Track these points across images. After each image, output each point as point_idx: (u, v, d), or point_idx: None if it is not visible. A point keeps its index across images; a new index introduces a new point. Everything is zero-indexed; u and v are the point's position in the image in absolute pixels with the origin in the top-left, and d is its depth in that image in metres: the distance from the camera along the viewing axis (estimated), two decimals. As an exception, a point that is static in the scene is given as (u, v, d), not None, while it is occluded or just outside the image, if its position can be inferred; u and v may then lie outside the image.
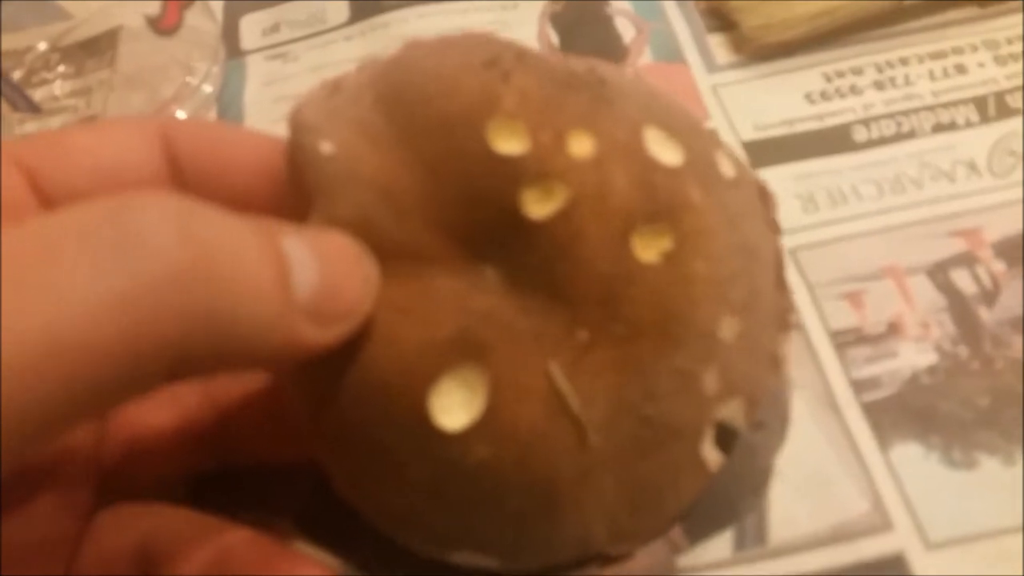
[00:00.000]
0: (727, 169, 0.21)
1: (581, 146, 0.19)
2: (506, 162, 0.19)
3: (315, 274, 0.17)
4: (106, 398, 0.14)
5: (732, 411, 0.20)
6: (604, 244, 0.19)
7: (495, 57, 0.20)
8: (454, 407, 0.19)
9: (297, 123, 0.20)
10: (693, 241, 0.19)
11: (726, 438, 0.20)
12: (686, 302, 0.19)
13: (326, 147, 0.19)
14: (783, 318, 0.21)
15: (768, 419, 0.24)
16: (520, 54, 0.20)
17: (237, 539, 0.20)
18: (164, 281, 0.14)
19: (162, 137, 0.21)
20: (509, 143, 0.19)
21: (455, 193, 0.19)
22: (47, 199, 0.20)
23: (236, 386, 0.23)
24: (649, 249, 0.19)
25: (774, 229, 0.21)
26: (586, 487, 0.19)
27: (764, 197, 0.22)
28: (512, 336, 0.19)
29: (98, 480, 0.22)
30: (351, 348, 0.18)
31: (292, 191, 0.20)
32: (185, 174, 0.21)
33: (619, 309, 0.19)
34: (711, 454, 0.20)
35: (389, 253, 0.19)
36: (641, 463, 0.19)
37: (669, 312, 0.19)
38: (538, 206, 0.19)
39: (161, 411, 0.23)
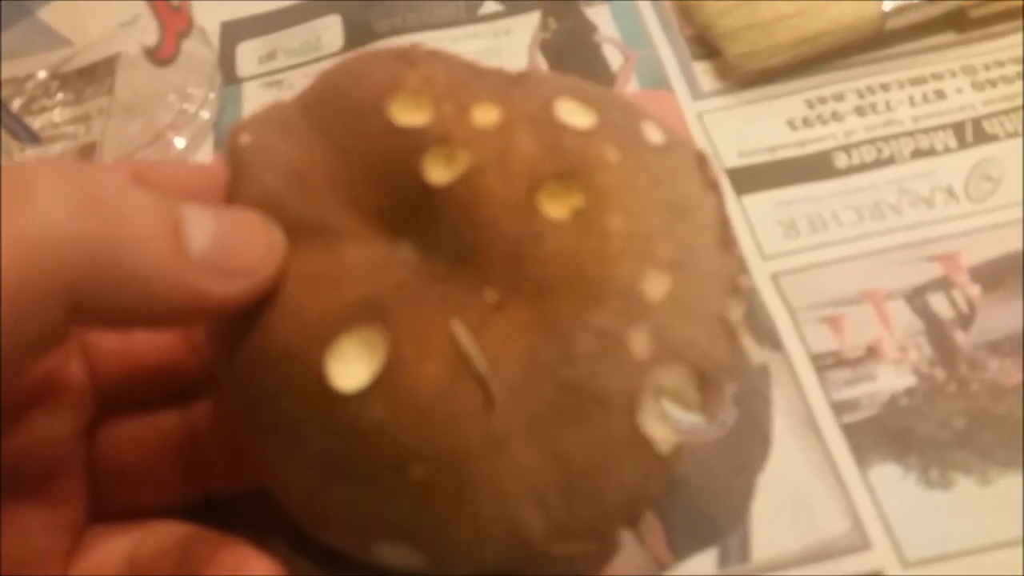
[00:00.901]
0: (654, 136, 0.20)
1: (486, 116, 0.20)
2: (408, 133, 0.20)
3: (212, 230, 0.18)
4: (15, 340, 0.16)
5: (675, 380, 0.18)
6: (509, 205, 0.19)
7: (406, 52, 0.21)
8: (351, 368, 0.18)
9: (231, 128, 0.21)
10: (607, 197, 0.19)
11: (678, 410, 0.19)
12: (600, 258, 0.18)
13: (244, 138, 0.21)
14: (731, 281, 0.19)
15: (749, 436, 0.25)
16: (435, 53, 0.21)
17: (199, 540, 0.20)
18: (54, 220, 0.16)
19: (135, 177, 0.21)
20: (411, 116, 0.20)
21: (364, 172, 0.20)
22: None
23: (212, 411, 0.23)
24: (559, 207, 0.19)
25: (715, 190, 0.20)
26: (500, 459, 0.18)
27: (701, 162, 0.21)
28: (418, 301, 0.19)
29: (89, 499, 0.22)
30: (256, 317, 0.19)
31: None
32: None
33: (528, 268, 0.18)
34: (658, 431, 0.18)
35: (299, 230, 0.19)
36: (564, 434, 0.18)
37: (582, 268, 0.18)
38: (440, 172, 0.19)
39: (146, 437, 0.23)
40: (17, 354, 0.16)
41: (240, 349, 0.19)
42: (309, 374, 0.18)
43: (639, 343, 0.18)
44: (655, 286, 0.18)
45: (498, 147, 0.19)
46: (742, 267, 0.21)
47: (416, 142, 0.19)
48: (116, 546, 0.21)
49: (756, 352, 0.20)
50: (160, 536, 0.21)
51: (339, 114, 0.20)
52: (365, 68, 0.21)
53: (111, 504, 0.23)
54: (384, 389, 0.18)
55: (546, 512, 0.18)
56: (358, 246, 0.20)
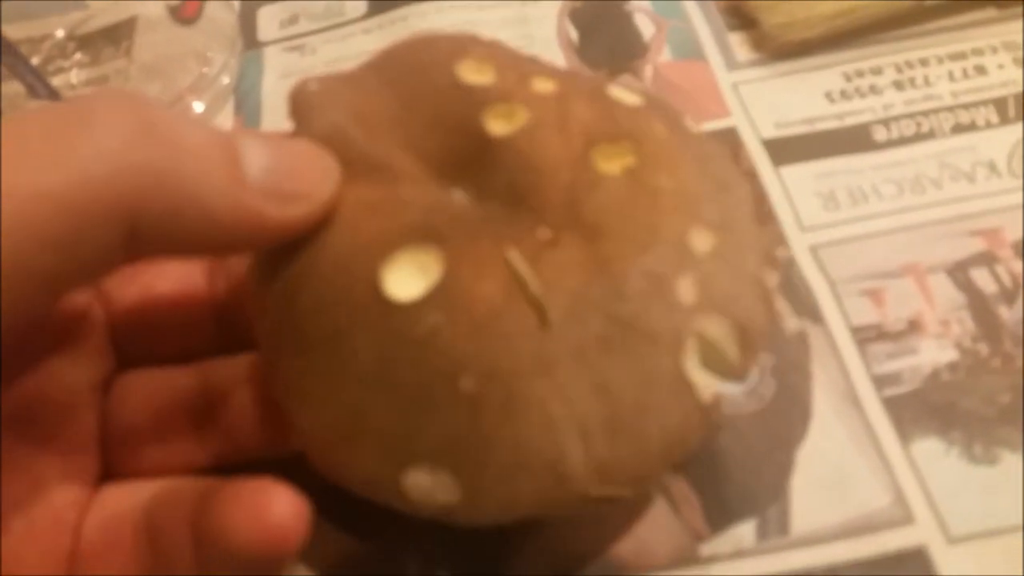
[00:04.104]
0: (692, 126, 0.22)
1: (544, 85, 0.21)
2: (472, 90, 0.20)
3: (267, 157, 0.18)
4: (71, 261, 0.16)
5: (718, 331, 0.19)
6: (565, 158, 0.19)
7: (472, 35, 0.22)
8: (407, 280, 0.18)
9: (297, 82, 0.22)
10: (656, 160, 0.20)
11: (718, 364, 0.19)
12: (652, 210, 0.19)
13: (312, 85, 0.21)
14: (768, 253, 0.20)
15: (788, 409, 0.24)
16: (498, 42, 0.22)
17: (216, 484, 0.19)
18: (116, 145, 0.16)
19: None
20: (476, 76, 0.21)
21: (426, 120, 0.21)
22: None
23: (231, 372, 0.23)
24: (611, 163, 0.20)
25: (748, 178, 0.22)
26: (549, 381, 0.18)
27: (735, 154, 0.23)
28: (472, 232, 0.19)
29: (101, 455, 0.22)
30: (309, 238, 0.19)
31: None
32: None
33: (582, 213, 0.19)
34: (700, 377, 0.19)
35: (360, 164, 0.20)
36: (612, 367, 0.18)
37: (633, 216, 0.19)
38: (500, 125, 0.20)
39: (160, 395, 0.23)
40: (69, 276, 0.16)
41: (287, 268, 0.19)
42: (362, 285, 0.18)
43: (685, 289, 0.18)
44: (701, 241, 0.19)
45: (556, 110, 0.20)
46: (778, 241, 0.22)
47: (479, 98, 0.20)
48: (131, 501, 0.21)
49: (792, 320, 0.21)
50: (177, 488, 0.20)
51: (406, 69, 0.21)
52: (434, 39, 0.22)
53: (122, 464, 0.22)
54: (441, 300, 0.18)
55: (588, 446, 0.18)
56: (414, 186, 0.20)
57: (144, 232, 0.16)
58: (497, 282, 0.18)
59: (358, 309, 0.18)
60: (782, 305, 0.21)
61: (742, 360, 0.19)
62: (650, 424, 0.18)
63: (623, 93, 0.21)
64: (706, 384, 0.18)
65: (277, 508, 0.18)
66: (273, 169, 0.18)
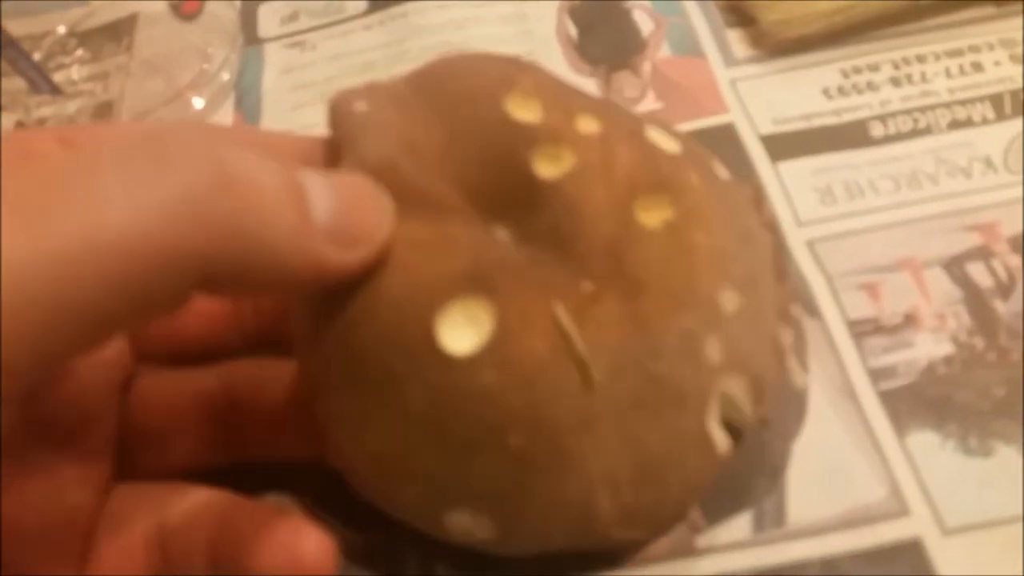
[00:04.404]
0: (722, 172, 0.23)
1: (588, 125, 0.21)
2: (521, 127, 0.20)
3: (331, 199, 0.18)
4: (138, 304, 0.15)
5: (737, 390, 0.20)
6: (609, 206, 0.20)
7: (516, 58, 0.22)
8: (462, 333, 0.19)
9: (336, 95, 0.21)
10: (694, 215, 0.20)
11: (733, 423, 0.20)
12: (689, 267, 0.20)
13: (359, 105, 0.21)
14: (784, 310, 0.21)
15: (784, 402, 0.24)
16: (538, 65, 0.22)
17: (237, 510, 0.20)
18: (195, 194, 0.15)
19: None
20: (524, 113, 0.21)
21: (473, 154, 0.20)
22: None
23: (253, 375, 0.23)
24: (651, 216, 0.20)
25: (770, 229, 0.23)
26: (589, 437, 0.19)
27: (758, 202, 0.23)
28: (521, 280, 0.20)
29: (116, 456, 0.22)
30: (364, 277, 0.19)
31: (328, 162, 0.21)
32: None
33: (624, 266, 0.20)
34: (718, 434, 0.20)
35: (410, 198, 0.20)
36: (645, 422, 0.19)
37: (673, 274, 0.20)
38: (548, 167, 0.20)
39: (180, 396, 0.23)
40: (135, 316, 0.16)
41: (342, 302, 0.19)
42: (418, 334, 0.19)
43: (713, 349, 0.19)
44: (729, 301, 0.20)
45: (601, 154, 0.20)
46: (794, 297, 0.23)
47: (527, 136, 0.20)
48: (144, 510, 0.21)
49: (800, 376, 0.22)
50: (192, 503, 0.21)
51: (453, 98, 0.21)
52: (478, 63, 0.22)
53: (136, 463, 0.22)
54: (495, 357, 0.19)
55: (616, 494, 0.19)
56: (461, 222, 0.20)
57: (215, 277, 0.16)
58: (545, 337, 0.19)
59: (412, 356, 0.19)
60: (792, 362, 0.22)
61: (755, 414, 0.20)
62: (672, 475, 0.19)
63: (662, 137, 0.22)
64: (721, 440, 0.20)
65: (308, 546, 0.18)
66: (336, 212, 0.18)
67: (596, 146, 0.21)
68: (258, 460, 0.23)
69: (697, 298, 0.20)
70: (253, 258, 0.16)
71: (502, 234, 0.20)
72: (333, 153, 0.21)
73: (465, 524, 0.20)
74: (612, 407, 0.19)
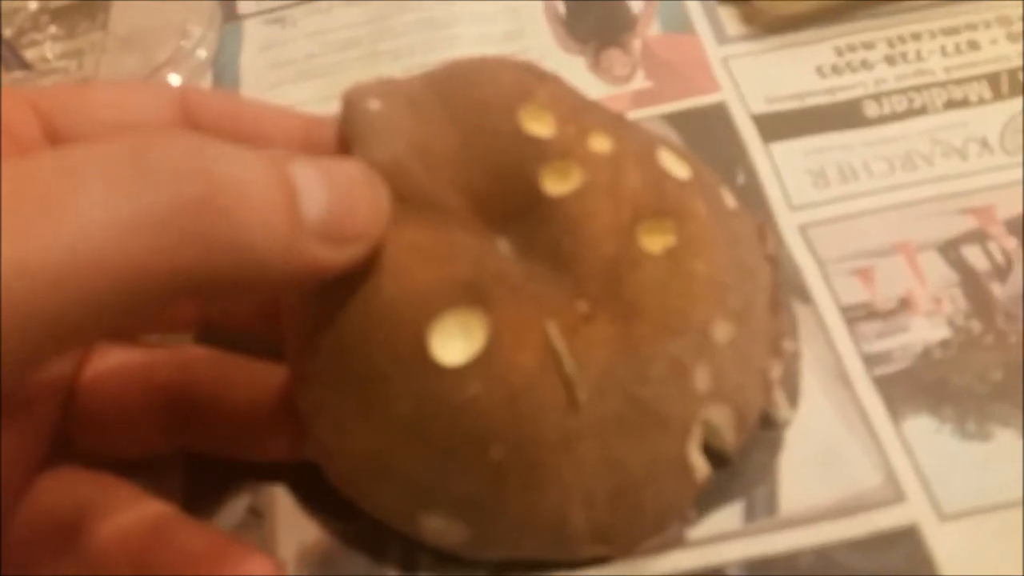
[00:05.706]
0: (730, 202, 0.23)
1: (601, 144, 0.21)
2: (533, 141, 0.21)
3: (324, 197, 0.17)
4: (118, 316, 0.15)
5: (721, 419, 0.20)
6: (612, 227, 0.20)
7: (533, 67, 0.22)
8: (453, 343, 0.19)
9: (350, 90, 0.21)
10: (695, 244, 0.21)
11: (713, 450, 0.21)
12: (686, 296, 0.20)
13: (373, 104, 0.21)
14: (776, 344, 0.22)
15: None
16: (556, 75, 0.23)
17: (172, 526, 0.20)
18: (178, 208, 0.15)
19: (183, 104, 0.21)
20: (537, 126, 0.21)
21: (483, 163, 0.20)
22: (59, 145, 0.20)
23: (217, 374, 0.22)
24: (654, 241, 0.21)
25: (771, 261, 0.23)
26: (569, 455, 0.19)
27: (762, 233, 0.23)
28: (516, 295, 0.20)
29: (55, 439, 0.21)
30: (362, 275, 0.19)
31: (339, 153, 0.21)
32: None
33: (621, 289, 0.20)
34: (698, 461, 0.20)
35: (416, 201, 0.20)
36: (626, 444, 0.19)
37: (669, 301, 0.20)
38: (556, 183, 0.20)
39: (133, 384, 0.22)
40: (115, 327, 0.16)
41: (335, 299, 0.19)
42: (410, 340, 0.19)
43: (701, 378, 0.20)
44: (722, 332, 0.20)
45: (610, 174, 0.21)
46: (787, 331, 0.23)
47: (538, 151, 0.21)
48: (63, 498, 0.21)
49: (786, 411, 0.23)
50: (122, 508, 0.20)
51: (469, 104, 0.21)
52: (496, 70, 0.22)
53: (79, 446, 0.22)
54: (483, 369, 0.19)
55: (591, 512, 0.20)
56: (464, 230, 0.20)
57: (198, 288, 0.16)
58: (535, 354, 0.19)
59: (401, 361, 0.19)
60: (779, 396, 0.22)
61: (735, 443, 0.21)
62: (648, 497, 0.20)
63: (673, 161, 0.22)
64: (700, 467, 0.20)
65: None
66: (328, 207, 0.17)
67: (606, 166, 0.21)
68: (204, 453, 0.23)
69: (690, 326, 0.20)
70: (239, 270, 0.16)
71: (504, 246, 0.20)
72: (343, 149, 0.21)
73: (439, 527, 0.20)
74: (595, 427, 0.19)
